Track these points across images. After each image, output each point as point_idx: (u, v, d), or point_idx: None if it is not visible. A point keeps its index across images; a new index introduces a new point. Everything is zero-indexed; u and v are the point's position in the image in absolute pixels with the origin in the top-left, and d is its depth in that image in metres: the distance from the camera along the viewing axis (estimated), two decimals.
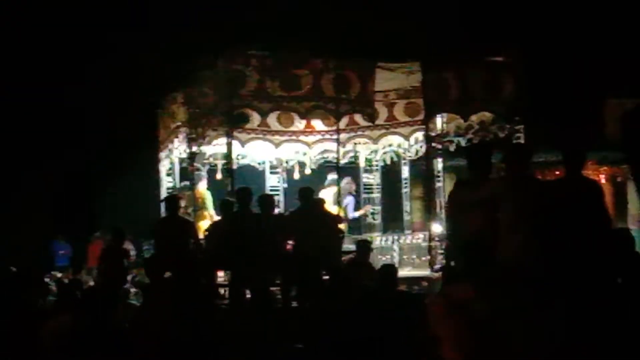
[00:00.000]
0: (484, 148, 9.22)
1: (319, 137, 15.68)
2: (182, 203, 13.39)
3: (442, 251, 12.86)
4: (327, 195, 14.36)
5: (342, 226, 12.72)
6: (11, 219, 20.85)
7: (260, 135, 15.20)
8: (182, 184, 14.65)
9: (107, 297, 8.30)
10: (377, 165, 16.48)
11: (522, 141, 13.48)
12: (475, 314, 5.64)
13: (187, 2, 21.06)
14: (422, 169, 14.71)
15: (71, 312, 8.15)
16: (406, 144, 15.65)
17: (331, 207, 13.43)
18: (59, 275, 16.91)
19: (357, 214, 15.65)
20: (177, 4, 20.95)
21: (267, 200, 11.78)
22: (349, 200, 15.26)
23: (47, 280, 14.58)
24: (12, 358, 7.61)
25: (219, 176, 15.16)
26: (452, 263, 8.29)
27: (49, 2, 21.06)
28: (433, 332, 5.74)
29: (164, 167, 15.53)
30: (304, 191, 11.83)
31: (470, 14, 21.04)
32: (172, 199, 12.61)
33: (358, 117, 14.65)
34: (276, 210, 14.00)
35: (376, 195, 16.37)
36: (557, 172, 15.33)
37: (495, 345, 5.61)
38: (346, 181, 14.99)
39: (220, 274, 11.89)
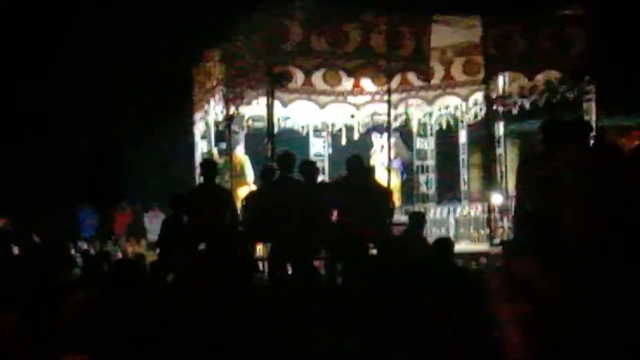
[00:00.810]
0: (558, 125, 9.13)
1: (368, 97, 15.62)
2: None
3: (502, 224, 12.79)
4: (377, 161, 14.30)
5: (395, 197, 12.66)
6: (35, 187, 21.04)
7: (304, 96, 15.19)
8: (218, 146, 14.62)
9: (135, 271, 8.30)
10: (431, 130, 16.38)
11: (593, 103, 13.31)
12: (540, 292, 5.57)
13: None
14: (482, 134, 14.58)
15: (97, 286, 8.17)
16: (464, 106, 15.53)
17: (382, 175, 13.35)
18: (85, 246, 17.04)
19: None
20: None
21: (310, 167, 11.69)
22: (397, 165, 15.20)
23: (72, 251, 14.70)
24: (36, 333, 7.66)
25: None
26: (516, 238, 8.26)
27: None
28: (493, 312, 5.67)
29: (198, 130, 15.53)
30: (354, 161, 11.69)
31: None
32: (209, 164, 12.47)
33: (411, 76, 14.58)
34: (320, 178, 13.99)
35: (430, 162, 16.28)
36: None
37: (561, 325, 5.54)
38: (394, 142, 14.90)
39: (259, 246, 11.89)
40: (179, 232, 11.28)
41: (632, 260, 6.58)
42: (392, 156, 14.00)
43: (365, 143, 15.85)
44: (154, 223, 21.06)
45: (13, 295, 7.74)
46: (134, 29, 20.81)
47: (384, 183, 12.78)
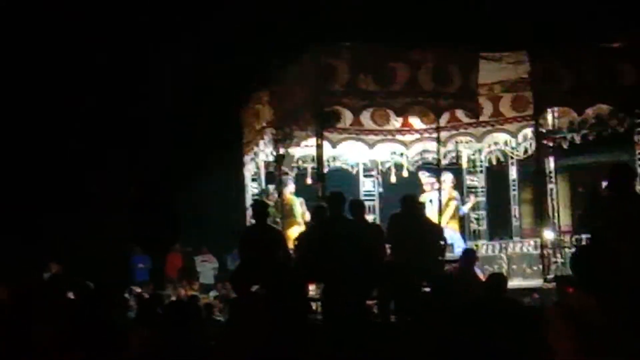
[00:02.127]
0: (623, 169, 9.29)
1: (417, 135, 15.63)
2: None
3: (555, 259, 12.72)
4: (428, 199, 14.30)
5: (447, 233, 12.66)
6: (87, 232, 21.24)
7: (353, 135, 15.23)
8: (266, 187, 14.73)
9: (189, 313, 8.39)
10: (481, 166, 16.36)
11: None
12: (595, 324, 5.56)
13: None
14: (532, 169, 14.53)
15: (152, 327, 8.27)
16: (514, 142, 15.50)
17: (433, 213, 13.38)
18: (139, 290, 17.17)
19: (466, 207, 15.47)
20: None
21: (358, 206, 11.73)
22: (456, 196, 15.19)
23: (126, 296, 14.82)
24: None
25: (308, 181, 15.17)
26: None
27: None
28: (549, 345, 5.67)
29: (248, 171, 15.64)
30: (407, 199, 11.74)
31: None
32: (261, 205, 12.56)
33: (460, 113, 14.55)
34: (370, 217, 14.04)
35: (481, 199, 16.24)
36: None
37: (615, 357, 5.53)
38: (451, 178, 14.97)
39: (312, 287, 11.90)
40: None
41: None
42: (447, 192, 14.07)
43: (414, 181, 15.86)
44: (204, 266, 21.23)
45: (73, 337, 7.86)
46: (183, 71, 21.08)
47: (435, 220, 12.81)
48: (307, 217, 14.20)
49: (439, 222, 12.93)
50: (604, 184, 9.42)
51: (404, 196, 11.79)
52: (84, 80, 21.26)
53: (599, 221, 8.17)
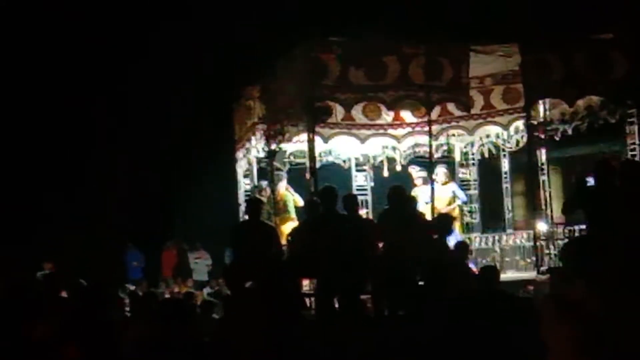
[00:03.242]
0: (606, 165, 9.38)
1: (408, 129, 15.64)
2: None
3: (549, 251, 12.75)
4: (419, 193, 14.31)
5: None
6: (81, 229, 21.24)
7: (345, 130, 15.21)
8: (258, 183, 14.74)
9: (184, 310, 8.40)
10: (473, 159, 16.39)
11: (636, 127, 13.28)
12: (590, 313, 5.57)
13: None
14: (524, 162, 14.55)
15: (147, 325, 8.28)
16: (505, 135, 15.53)
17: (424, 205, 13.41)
18: (133, 287, 17.19)
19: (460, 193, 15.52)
20: None
21: (352, 200, 11.73)
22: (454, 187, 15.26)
23: (120, 294, 14.82)
24: None
25: (307, 176, 15.15)
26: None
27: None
28: (543, 338, 5.67)
29: (240, 167, 15.65)
30: (395, 191, 11.73)
31: None
32: (254, 202, 12.60)
33: (451, 107, 14.58)
34: (363, 212, 14.04)
35: (474, 191, 16.28)
36: None
37: (613, 345, 5.53)
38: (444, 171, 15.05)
39: (305, 282, 11.92)
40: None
41: None
42: (442, 183, 14.12)
43: (407, 175, 15.87)
44: (198, 263, 21.27)
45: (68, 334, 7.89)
46: (174, 67, 21.06)
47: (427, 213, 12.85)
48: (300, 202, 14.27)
49: (434, 215, 12.96)
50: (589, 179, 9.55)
51: (389, 191, 11.74)
52: (79, 77, 21.24)
53: (581, 210, 8.30)
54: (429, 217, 12.70)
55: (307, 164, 13.04)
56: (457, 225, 14.97)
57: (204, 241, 21.46)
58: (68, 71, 20.95)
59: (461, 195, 15.39)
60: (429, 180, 13.85)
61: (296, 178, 15.21)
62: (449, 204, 15.08)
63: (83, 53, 21.06)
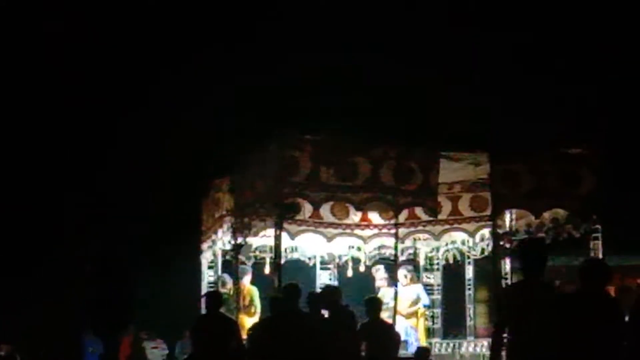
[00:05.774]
0: (539, 246, 9.35)
1: (375, 231, 15.67)
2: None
3: None
4: (385, 294, 14.32)
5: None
6: (39, 312, 20.97)
7: (312, 228, 15.21)
8: (221, 275, 14.65)
9: None
10: (438, 264, 16.39)
11: (599, 242, 13.35)
12: None
13: (235, 85, 21.35)
14: (489, 270, 14.56)
15: None
16: (471, 242, 15.56)
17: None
18: None
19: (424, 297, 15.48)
20: (224, 87, 21.24)
21: (316, 299, 11.68)
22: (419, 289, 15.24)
23: None
24: None
25: (267, 270, 15.09)
26: None
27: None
28: None
29: (205, 258, 15.56)
30: (372, 308, 11.79)
31: (544, 102, 21.02)
32: (214, 295, 12.58)
33: (419, 211, 14.63)
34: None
35: (437, 296, 16.24)
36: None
37: None
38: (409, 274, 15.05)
39: None
40: None
41: None
42: (405, 284, 14.10)
43: (370, 275, 15.85)
44: (154, 352, 20.99)
45: None
46: (144, 156, 21.08)
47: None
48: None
49: (396, 317, 12.93)
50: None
51: (368, 305, 11.81)
52: (51, 166, 21.24)
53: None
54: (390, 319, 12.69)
55: (270, 259, 12.98)
56: (420, 327, 14.96)
57: (163, 330, 21.22)
58: (43, 160, 20.96)
59: (424, 298, 15.37)
60: (393, 282, 13.84)
61: (261, 272, 15.16)
62: (412, 305, 15.04)
63: (55, 142, 21.10)
